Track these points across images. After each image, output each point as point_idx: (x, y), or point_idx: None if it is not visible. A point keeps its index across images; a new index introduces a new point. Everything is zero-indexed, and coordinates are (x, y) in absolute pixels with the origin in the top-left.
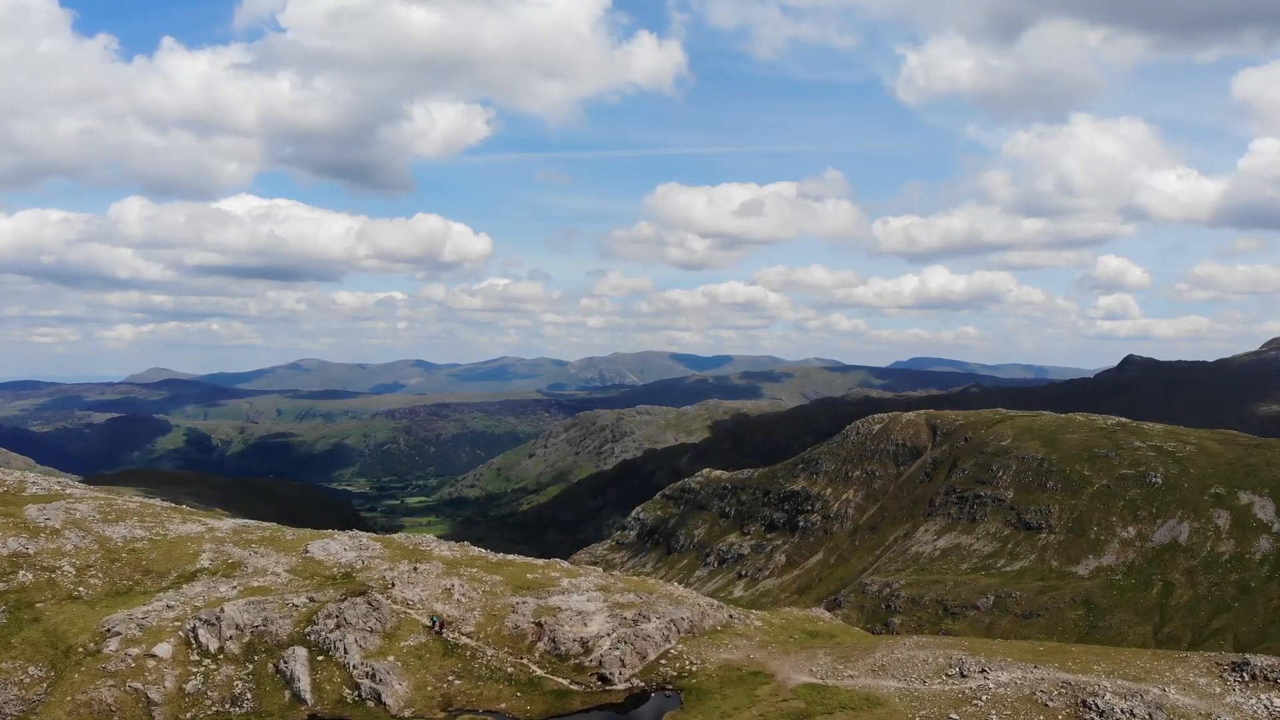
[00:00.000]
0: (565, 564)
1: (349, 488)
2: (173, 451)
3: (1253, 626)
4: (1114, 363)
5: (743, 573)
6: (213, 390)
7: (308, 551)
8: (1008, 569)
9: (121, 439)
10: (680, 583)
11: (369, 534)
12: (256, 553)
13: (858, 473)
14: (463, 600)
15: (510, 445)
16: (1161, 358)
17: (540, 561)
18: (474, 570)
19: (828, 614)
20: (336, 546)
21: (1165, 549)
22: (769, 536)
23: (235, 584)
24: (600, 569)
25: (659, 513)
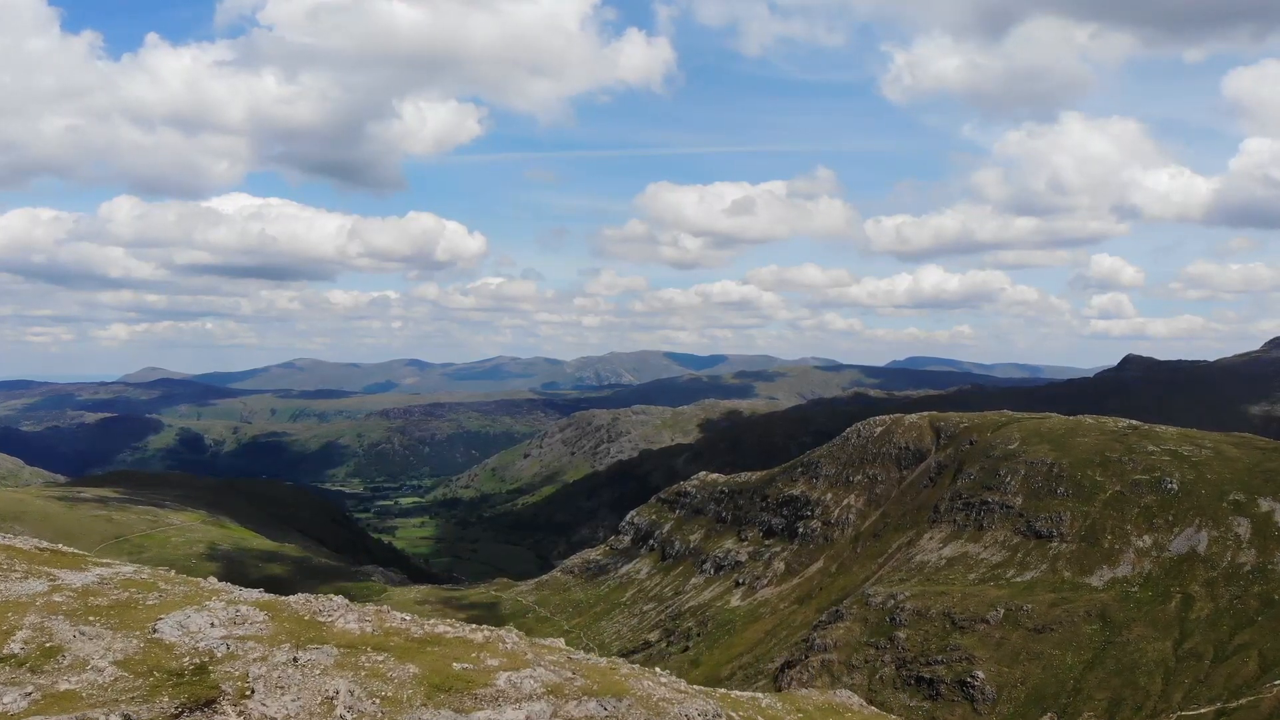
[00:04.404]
0: (513, 639)
1: (342, 488)
2: (165, 451)
3: (1278, 643)
4: (1108, 362)
5: (740, 580)
6: (206, 390)
7: (156, 631)
8: (1018, 580)
9: (113, 439)
10: (675, 590)
11: (258, 595)
12: (84, 633)
13: (859, 477)
14: (348, 717)
15: (505, 445)
16: (1157, 357)
17: (480, 637)
18: (381, 658)
19: (856, 698)
20: (201, 621)
21: (1183, 559)
22: (767, 543)
23: (31, 688)
24: (562, 641)
25: (654, 516)
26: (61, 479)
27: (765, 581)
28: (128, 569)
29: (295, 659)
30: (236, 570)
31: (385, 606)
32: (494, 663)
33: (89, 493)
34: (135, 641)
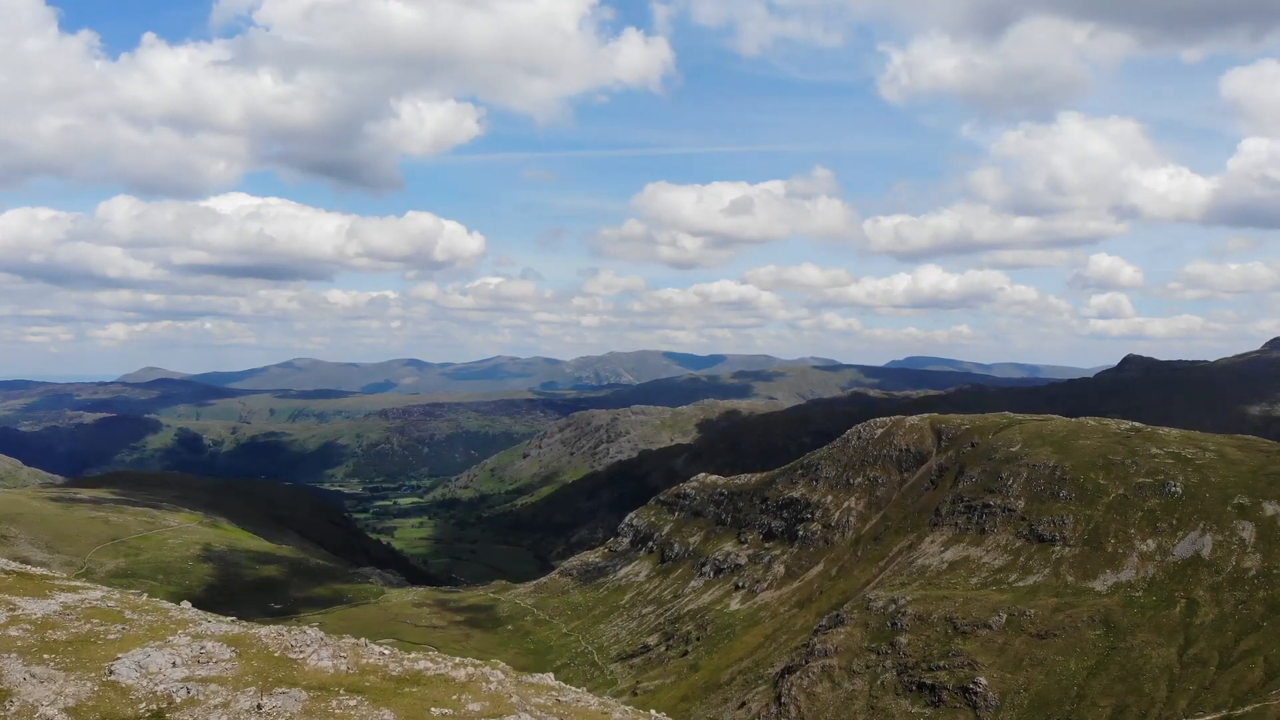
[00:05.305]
0: (498, 677)
1: (341, 488)
2: (164, 452)
3: None
4: (1107, 361)
5: (740, 584)
6: (205, 389)
7: (112, 673)
8: (1020, 584)
9: (112, 439)
10: (674, 593)
11: (227, 628)
12: (35, 675)
13: (859, 479)
14: None
15: (504, 445)
16: (1156, 356)
17: (462, 675)
18: (354, 702)
19: None
20: (162, 660)
21: (1187, 563)
22: (766, 545)
23: None
24: (551, 677)
25: (653, 519)
26: (59, 479)
27: (765, 585)
28: (95, 594)
29: (259, 705)
30: (231, 572)
31: (363, 640)
32: (475, 707)
33: (86, 493)
34: (89, 684)
